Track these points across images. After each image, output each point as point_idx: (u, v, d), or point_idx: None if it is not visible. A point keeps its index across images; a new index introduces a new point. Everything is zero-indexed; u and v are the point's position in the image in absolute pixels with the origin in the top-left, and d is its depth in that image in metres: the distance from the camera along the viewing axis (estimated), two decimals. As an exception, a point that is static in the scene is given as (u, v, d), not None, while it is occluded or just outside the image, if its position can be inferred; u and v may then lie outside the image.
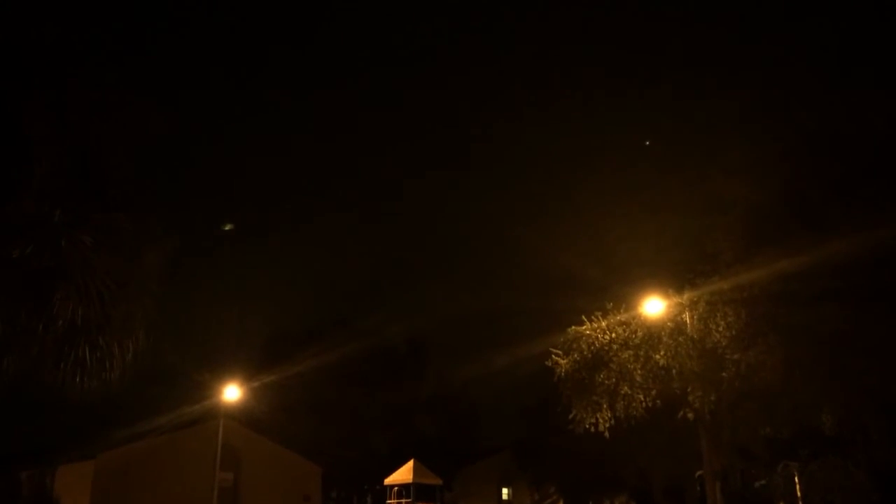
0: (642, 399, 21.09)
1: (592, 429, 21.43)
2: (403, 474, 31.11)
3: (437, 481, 32.02)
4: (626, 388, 21.04)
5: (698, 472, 32.57)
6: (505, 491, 50.48)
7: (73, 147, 11.70)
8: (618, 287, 23.99)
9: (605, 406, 21.23)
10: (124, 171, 12.53)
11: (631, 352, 21.20)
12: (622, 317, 21.81)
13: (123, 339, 12.29)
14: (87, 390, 12.28)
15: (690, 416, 21.08)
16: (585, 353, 21.60)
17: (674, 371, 20.77)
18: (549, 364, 22.28)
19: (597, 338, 21.63)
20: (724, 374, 19.78)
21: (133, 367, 12.65)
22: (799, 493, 28.17)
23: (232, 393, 31.57)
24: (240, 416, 37.21)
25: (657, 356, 20.88)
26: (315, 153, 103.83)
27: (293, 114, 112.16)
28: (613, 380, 21.08)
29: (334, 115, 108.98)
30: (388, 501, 31.81)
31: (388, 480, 32.09)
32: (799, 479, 27.73)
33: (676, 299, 21.11)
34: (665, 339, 20.93)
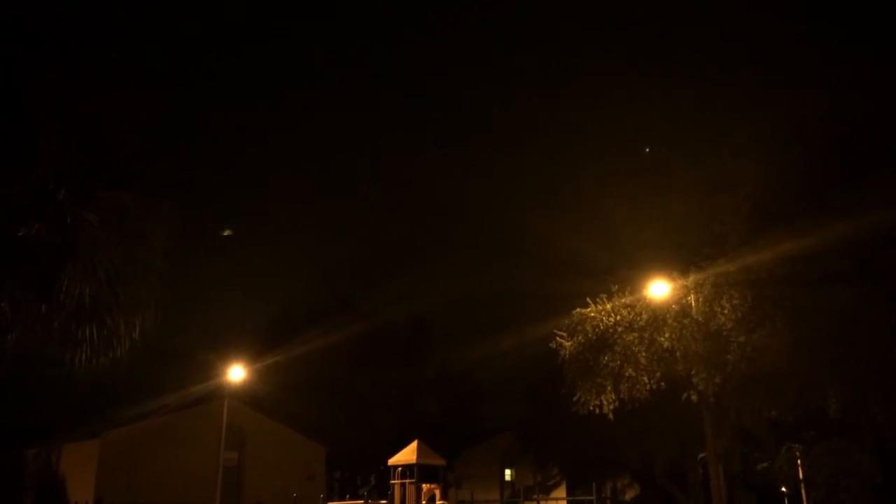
0: (646, 381, 21.13)
1: (596, 410, 21.50)
2: (407, 455, 31.19)
3: (441, 462, 32.10)
4: (630, 370, 21.08)
5: (701, 455, 32.72)
6: (508, 472, 50.66)
7: (78, 125, 11.64)
8: (623, 269, 23.99)
9: (609, 388, 21.28)
10: (129, 149, 12.48)
11: (636, 334, 21.21)
12: (627, 299, 21.79)
13: (130, 318, 12.28)
14: (94, 369, 12.29)
15: (694, 397, 21.11)
16: (590, 335, 21.60)
17: (678, 353, 20.75)
18: (554, 346, 22.29)
19: (602, 320, 21.62)
20: (728, 356, 19.71)
21: (139, 346, 12.65)
22: (801, 476, 28.24)
23: (237, 373, 31.68)
24: (244, 395, 37.32)
25: (662, 338, 20.87)
26: (320, 133, 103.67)
27: (297, 94, 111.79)
28: (618, 362, 21.12)
29: (339, 94, 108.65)
30: (392, 482, 31.96)
31: (391, 461, 32.19)
32: (802, 461, 27.76)
33: (682, 282, 21.05)
34: (670, 321, 20.90)
